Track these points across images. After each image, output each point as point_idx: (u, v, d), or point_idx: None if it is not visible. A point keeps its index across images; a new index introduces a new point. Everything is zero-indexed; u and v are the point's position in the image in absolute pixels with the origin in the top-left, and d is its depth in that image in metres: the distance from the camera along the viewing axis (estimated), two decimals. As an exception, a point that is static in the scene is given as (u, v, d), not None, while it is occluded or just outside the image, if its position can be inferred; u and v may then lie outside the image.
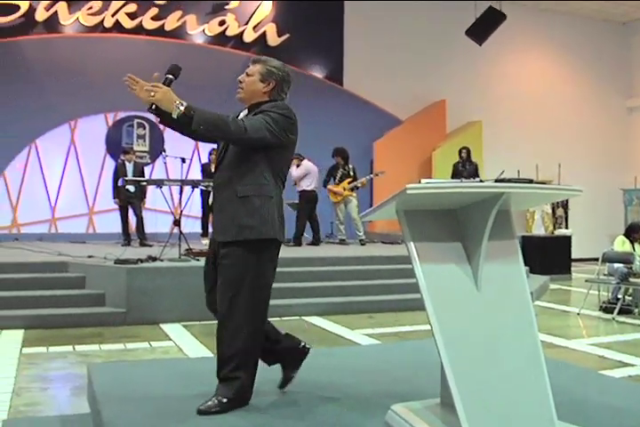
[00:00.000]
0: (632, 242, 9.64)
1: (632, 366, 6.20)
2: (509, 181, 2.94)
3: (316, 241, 12.22)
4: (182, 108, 3.34)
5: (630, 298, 9.32)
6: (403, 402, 3.40)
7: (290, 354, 3.93)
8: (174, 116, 3.35)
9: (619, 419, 3.51)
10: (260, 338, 3.70)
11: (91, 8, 13.35)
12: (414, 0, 15.36)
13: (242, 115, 3.79)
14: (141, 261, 8.38)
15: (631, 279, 8.98)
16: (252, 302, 3.62)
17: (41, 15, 13.04)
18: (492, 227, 2.98)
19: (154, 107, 3.45)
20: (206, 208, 12.20)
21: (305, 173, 12.09)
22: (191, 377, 4.34)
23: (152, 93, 3.39)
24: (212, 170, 12.00)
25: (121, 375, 4.39)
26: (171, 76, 3.48)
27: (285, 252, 10.49)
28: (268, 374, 3.87)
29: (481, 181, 3.10)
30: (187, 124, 3.37)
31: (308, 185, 12.05)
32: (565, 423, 3.05)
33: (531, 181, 2.98)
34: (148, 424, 3.43)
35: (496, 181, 2.96)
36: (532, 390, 2.99)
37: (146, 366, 4.99)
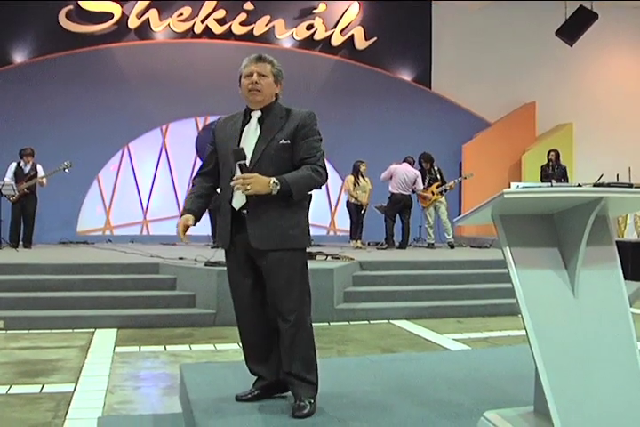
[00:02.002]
0: None
1: None
2: (608, 185, 2.87)
3: (403, 244, 12.18)
4: (278, 186, 3.46)
5: None
6: (495, 409, 3.35)
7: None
8: (274, 193, 3.46)
9: None
10: None
11: (181, 15, 13.63)
12: (502, 0, 15.17)
13: (255, 118, 3.69)
14: (231, 263, 8.45)
15: None
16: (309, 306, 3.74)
17: (133, 22, 13.38)
18: (589, 232, 2.92)
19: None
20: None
21: (389, 175, 12.08)
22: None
23: (248, 188, 3.44)
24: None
25: (212, 376, 4.44)
26: (243, 162, 3.54)
27: (374, 255, 10.52)
28: (363, 378, 3.86)
29: (579, 185, 3.04)
30: (288, 195, 3.51)
31: (393, 188, 12.02)
32: (664, 435, 2.96)
33: (631, 186, 2.90)
34: (239, 425, 3.46)
35: (594, 185, 2.89)
36: (630, 401, 2.91)
37: (237, 367, 5.01)
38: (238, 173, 3.50)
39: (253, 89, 3.65)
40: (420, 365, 4.74)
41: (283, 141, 3.61)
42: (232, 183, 3.49)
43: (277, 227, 3.60)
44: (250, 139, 3.64)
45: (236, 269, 3.82)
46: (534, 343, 2.83)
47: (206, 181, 3.82)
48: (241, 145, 3.61)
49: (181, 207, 13.17)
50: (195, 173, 3.90)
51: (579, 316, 2.95)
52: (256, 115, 3.69)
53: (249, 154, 3.57)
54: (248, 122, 3.69)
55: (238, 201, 3.60)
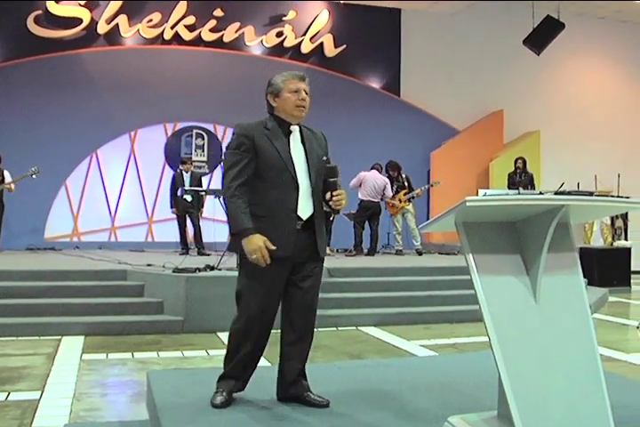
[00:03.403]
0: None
1: (694, 381, 6.07)
2: (570, 193, 2.92)
3: (371, 251, 12.23)
4: None
5: (692, 312, 9.16)
6: (460, 414, 3.39)
7: None
8: None
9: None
10: None
11: (151, 20, 13.59)
12: (471, 9, 15.30)
13: (296, 132, 3.87)
14: (199, 270, 8.45)
15: (693, 293, 8.83)
16: None
17: (102, 28, 13.33)
18: (551, 239, 2.97)
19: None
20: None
21: (358, 182, 12.15)
22: (248, 386, 4.37)
23: (343, 203, 3.76)
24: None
25: (180, 383, 4.44)
26: (334, 179, 3.69)
27: (342, 262, 10.54)
28: (329, 384, 3.89)
29: (540, 193, 3.09)
30: None
31: (362, 195, 12.09)
32: (625, 439, 3.02)
33: (591, 194, 2.96)
34: (206, 432, 3.47)
35: (556, 193, 2.95)
36: (591, 404, 2.97)
37: (205, 374, 5.02)
38: (300, 184, 3.73)
39: (301, 106, 3.81)
40: (386, 371, 4.77)
41: (324, 157, 3.88)
42: (336, 199, 3.70)
43: (325, 237, 3.89)
44: (298, 153, 3.80)
45: (277, 278, 3.78)
46: (496, 349, 2.87)
47: (246, 192, 3.68)
48: (293, 158, 3.75)
49: (149, 214, 13.19)
50: (231, 183, 3.65)
51: (540, 321, 3.00)
52: (296, 129, 3.86)
53: (303, 168, 3.76)
54: (288, 135, 3.83)
55: (305, 211, 3.74)
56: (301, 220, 3.73)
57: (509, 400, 2.82)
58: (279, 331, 3.98)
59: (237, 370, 3.97)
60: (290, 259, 3.72)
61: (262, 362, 6.36)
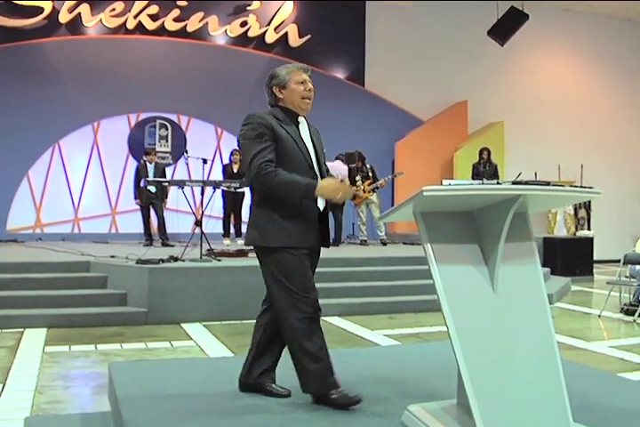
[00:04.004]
0: (654, 243, 9.59)
1: (653, 368, 6.17)
2: (526, 183, 2.95)
3: (336, 242, 12.23)
4: None
5: (652, 300, 9.28)
6: (420, 403, 3.42)
7: None
8: None
9: (636, 422, 3.50)
10: None
11: (113, 10, 13.45)
12: (436, 0, 15.35)
13: (304, 123, 3.88)
14: (163, 261, 8.42)
15: (653, 281, 8.94)
16: None
17: (64, 17, 13.16)
18: (508, 229, 3.00)
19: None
20: (227, 209, 12.25)
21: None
22: (211, 377, 4.38)
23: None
24: (235, 170, 12.10)
25: (142, 374, 4.44)
26: (354, 165, 3.70)
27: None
28: (287, 375, 3.89)
29: (498, 183, 3.11)
30: None
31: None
32: (582, 426, 3.05)
33: (548, 184, 2.98)
34: (167, 423, 3.46)
35: (513, 183, 2.97)
36: (548, 392, 3.00)
37: (167, 365, 5.03)
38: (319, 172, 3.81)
39: (308, 97, 3.81)
40: (349, 361, 4.79)
41: (324, 149, 3.95)
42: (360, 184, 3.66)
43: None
44: (308, 143, 3.82)
45: (302, 270, 3.72)
46: (455, 338, 2.90)
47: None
48: (308, 148, 3.79)
49: (112, 206, 13.09)
50: (262, 164, 3.57)
51: (498, 310, 3.03)
52: (303, 121, 3.88)
53: (314, 158, 3.79)
54: (297, 126, 3.83)
55: (321, 201, 3.76)
56: (319, 210, 3.77)
57: (467, 389, 2.85)
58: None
59: (325, 360, 3.71)
60: (311, 249, 3.77)
61: (225, 352, 6.40)
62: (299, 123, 3.84)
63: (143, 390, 4.05)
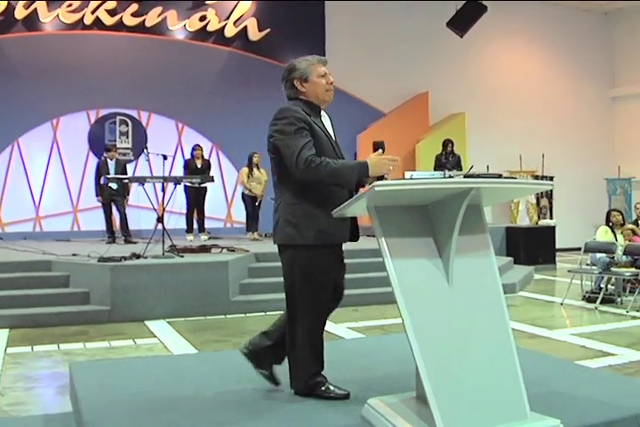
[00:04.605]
0: (614, 232, 9.71)
1: (613, 355, 6.25)
2: (478, 176, 2.97)
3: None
4: None
5: (613, 287, 9.40)
6: (380, 396, 3.43)
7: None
8: None
9: (593, 410, 3.54)
10: None
11: (70, 5, 13.30)
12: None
13: (326, 116, 3.98)
14: (125, 258, 8.38)
15: (613, 269, 9.05)
16: None
17: (20, 13, 12.99)
18: (462, 221, 3.01)
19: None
20: (191, 204, 12.20)
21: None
22: (173, 374, 4.38)
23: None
24: (198, 166, 12.05)
25: (103, 374, 4.42)
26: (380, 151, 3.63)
27: (270, 247, 10.52)
28: (244, 371, 3.90)
29: (450, 176, 3.14)
30: None
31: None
32: (538, 414, 3.09)
33: (499, 176, 3.01)
34: (128, 422, 3.45)
35: (465, 176, 2.99)
36: (505, 381, 3.03)
37: (128, 363, 5.01)
38: None
39: (330, 90, 3.89)
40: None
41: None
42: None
43: None
44: (332, 136, 3.87)
45: (337, 266, 3.80)
46: (410, 331, 2.91)
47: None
48: (335, 140, 3.87)
49: (74, 203, 12.97)
50: (309, 157, 3.53)
51: (453, 302, 3.05)
52: (324, 113, 3.95)
53: (340, 149, 3.85)
54: (321, 119, 3.86)
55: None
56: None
57: (424, 381, 2.87)
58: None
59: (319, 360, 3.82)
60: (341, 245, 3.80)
61: (189, 349, 6.38)
62: (321, 116, 3.87)
63: (104, 389, 4.03)
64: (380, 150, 3.56)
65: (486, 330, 3.08)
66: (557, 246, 14.08)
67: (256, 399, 3.76)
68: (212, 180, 10.85)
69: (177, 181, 9.90)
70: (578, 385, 4.03)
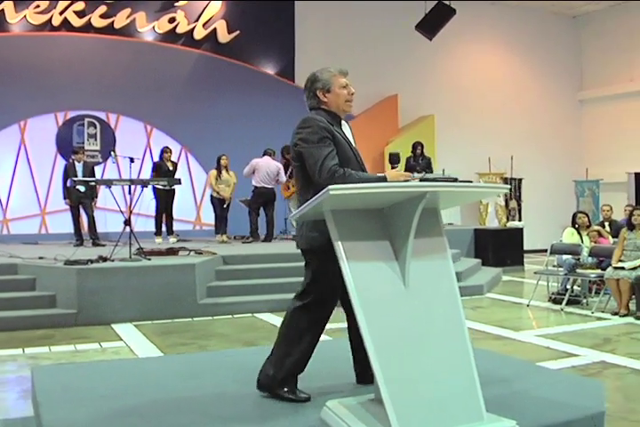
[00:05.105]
0: (580, 234, 9.80)
1: (576, 356, 6.31)
2: (434, 180, 3.00)
3: (268, 237, 12.24)
4: None
5: (578, 289, 9.49)
6: (339, 399, 3.45)
7: None
8: None
9: (551, 410, 3.59)
10: None
11: (38, 6, 13.21)
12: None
13: (346, 126, 3.95)
14: (92, 261, 8.34)
15: (578, 270, 9.13)
16: None
17: (-14, 14, 12.90)
18: (418, 225, 3.04)
19: None
20: (160, 207, 12.16)
21: (251, 170, 12.12)
22: (136, 377, 4.37)
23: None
24: (169, 168, 12.02)
25: (66, 378, 4.40)
26: (396, 165, 3.67)
27: (238, 249, 10.51)
28: (216, 372, 3.90)
29: (406, 180, 3.16)
30: None
31: (256, 181, 12.08)
32: (495, 416, 3.12)
33: (455, 180, 3.04)
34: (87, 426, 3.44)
35: (420, 180, 3.01)
36: (461, 383, 3.06)
37: (93, 367, 5.00)
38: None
39: (350, 100, 3.90)
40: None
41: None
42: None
43: None
44: (352, 143, 3.84)
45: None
46: (366, 334, 2.93)
47: None
48: (356, 149, 3.83)
49: (42, 206, 12.88)
50: (333, 167, 3.54)
51: (409, 305, 3.08)
52: (344, 123, 3.95)
53: (361, 158, 3.82)
54: (341, 128, 3.86)
55: None
56: None
57: (379, 383, 2.89)
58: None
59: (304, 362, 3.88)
60: None
61: (155, 352, 6.37)
62: (341, 125, 3.88)
63: (66, 393, 4.02)
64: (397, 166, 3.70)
65: (442, 332, 3.11)
66: (526, 248, 14.18)
67: (217, 403, 3.77)
68: (179, 182, 10.81)
69: (144, 183, 9.86)
70: (537, 386, 4.07)
